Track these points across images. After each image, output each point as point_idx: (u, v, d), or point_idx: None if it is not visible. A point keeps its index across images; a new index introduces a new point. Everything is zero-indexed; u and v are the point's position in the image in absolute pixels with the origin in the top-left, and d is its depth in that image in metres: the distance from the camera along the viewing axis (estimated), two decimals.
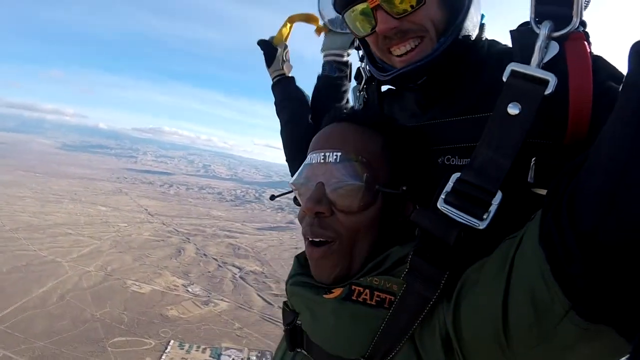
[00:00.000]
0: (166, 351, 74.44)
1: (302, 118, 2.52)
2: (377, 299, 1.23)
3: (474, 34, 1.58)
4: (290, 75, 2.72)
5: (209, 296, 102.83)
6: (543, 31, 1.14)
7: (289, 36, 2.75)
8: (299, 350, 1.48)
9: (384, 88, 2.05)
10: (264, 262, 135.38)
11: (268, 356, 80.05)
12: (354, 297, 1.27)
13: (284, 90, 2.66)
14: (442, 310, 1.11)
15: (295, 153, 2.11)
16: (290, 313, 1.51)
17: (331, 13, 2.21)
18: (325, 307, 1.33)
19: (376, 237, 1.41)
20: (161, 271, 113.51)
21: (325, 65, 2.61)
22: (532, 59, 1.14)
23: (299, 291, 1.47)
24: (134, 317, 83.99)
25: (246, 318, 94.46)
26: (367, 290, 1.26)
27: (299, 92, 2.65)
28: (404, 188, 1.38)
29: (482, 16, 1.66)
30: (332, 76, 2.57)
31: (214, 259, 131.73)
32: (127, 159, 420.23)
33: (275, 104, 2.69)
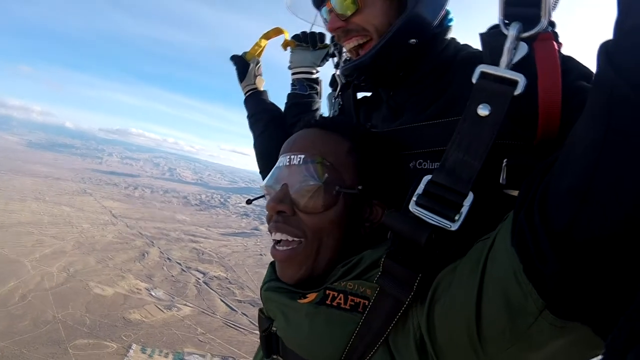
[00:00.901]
0: (128, 355, 74.52)
1: (275, 130, 2.59)
2: (352, 303, 1.24)
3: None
4: (262, 89, 2.81)
5: (172, 300, 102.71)
6: (511, 32, 1.14)
7: (262, 52, 2.85)
8: (274, 357, 1.49)
9: (359, 95, 2.14)
10: (228, 267, 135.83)
11: None
12: (328, 302, 1.28)
13: (256, 103, 2.73)
14: (415, 313, 1.11)
15: (268, 164, 2.07)
16: (265, 320, 1.53)
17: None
18: (299, 312, 1.34)
19: (340, 239, 1.44)
20: (124, 274, 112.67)
21: (295, 82, 2.68)
22: (501, 60, 1.15)
23: (273, 297, 1.48)
24: (96, 320, 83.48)
25: (209, 323, 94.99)
26: (342, 295, 1.27)
27: (271, 105, 2.74)
28: (360, 187, 1.41)
29: (449, 19, 1.73)
30: (303, 94, 2.65)
31: (177, 263, 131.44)
32: (92, 159, 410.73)
33: (248, 117, 2.76)
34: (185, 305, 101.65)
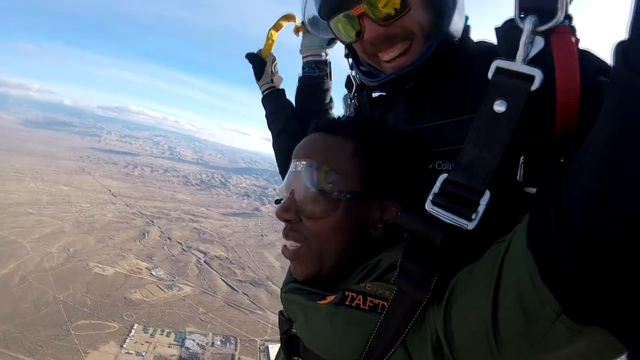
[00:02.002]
0: (130, 335, 74.67)
1: (294, 130, 2.58)
2: (370, 304, 1.25)
3: (458, 36, 1.61)
4: (280, 87, 2.78)
5: (173, 280, 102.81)
6: (527, 26, 1.13)
7: (274, 44, 2.79)
8: (295, 358, 1.51)
9: (375, 95, 2.09)
10: (229, 248, 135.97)
11: (232, 341, 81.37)
12: (347, 302, 1.28)
13: (275, 102, 2.72)
14: (432, 315, 1.11)
15: (286, 165, 1.98)
16: (285, 322, 1.55)
17: (313, 12, 2.14)
18: (319, 313, 1.35)
19: (346, 241, 1.44)
20: (125, 254, 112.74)
21: (305, 65, 2.71)
22: (517, 55, 1.13)
23: (293, 298, 1.50)
24: (97, 300, 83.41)
25: (210, 303, 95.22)
26: (360, 296, 1.27)
27: (290, 104, 2.73)
28: (361, 191, 1.42)
29: (467, 18, 1.69)
30: (312, 75, 2.67)
31: (178, 242, 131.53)
32: (91, 138, 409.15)
33: (266, 116, 2.77)
34: (186, 284, 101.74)
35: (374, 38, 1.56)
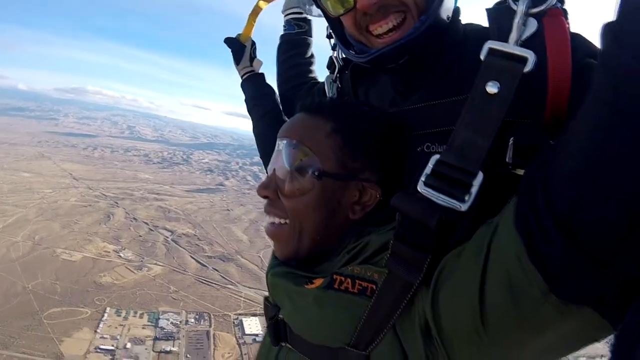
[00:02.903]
0: (103, 319, 74.85)
1: (275, 114, 2.59)
2: (359, 287, 1.23)
3: (449, 15, 1.57)
4: (259, 71, 2.78)
5: (142, 261, 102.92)
6: (520, 7, 1.12)
7: (253, 29, 2.82)
8: (282, 344, 1.49)
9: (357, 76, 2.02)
10: (196, 224, 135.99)
11: (206, 317, 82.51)
12: (335, 286, 1.27)
13: (255, 87, 2.71)
14: (420, 298, 1.10)
15: (269, 149, 1.90)
16: (272, 308, 1.54)
17: None
18: (307, 297, 1.34)
19: (321, 222, 1.45)
20: (91, 237, 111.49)
21: (285, 23, 2.76)
22: (510, 37, 1.12)
23: (280, 282, 1.49)
24: (67, 287, 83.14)
25: (181, 281, 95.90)
26: (349, 279, 1.26)
27: (270, 89, 2.72)
28: (339, 172, 1.43)
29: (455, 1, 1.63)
30: (291, 32, 2.72)
31: (144, 222, 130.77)
32: (48, 122, 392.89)
33: (246, 100, 2.75)
34: (155, 264, 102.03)
35: (369, 7, 1.48)
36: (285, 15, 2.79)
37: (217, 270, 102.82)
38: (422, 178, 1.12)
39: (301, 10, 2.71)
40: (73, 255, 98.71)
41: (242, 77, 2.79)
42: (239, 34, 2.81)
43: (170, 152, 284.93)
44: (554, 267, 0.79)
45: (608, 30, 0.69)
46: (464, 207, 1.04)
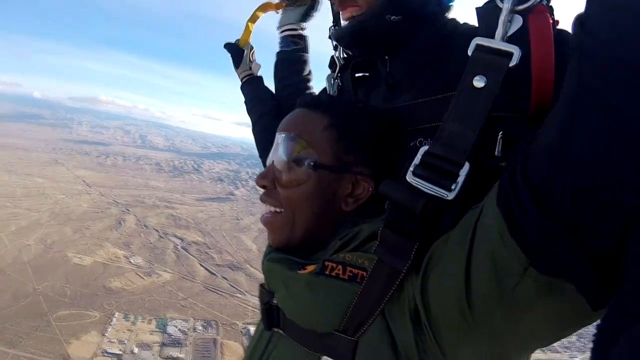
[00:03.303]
0: (111, 323, 74.75)
1: (272, 115, 2.64)
2: (350, 274, 1.26)
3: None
4: (258, 74, 2.85)
5: (151, 267, 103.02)
6: (506, 5, 1.16)
7: (250, 35, 2.89)
8: (275, 329, 1.51)
9: (358, 75, 2.12)
10: (206, 233, 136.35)
11: (213, 325, 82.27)
12: (327, 272, 1.30)
13: (253, 89, 2.80)
14: (410, 284, 1.13)
15: (266, 149, 2.02)
16: (266, 293, 1.54)
17: None
18: (299, 282, 1.36)
19: (314, 213, 1.49)
20: (102, 243, 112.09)
21: (281, 41, 2.78)
22: (497, 33, 1.16)
23: (274, 267, 1.51)
24: (76, 290, 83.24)
25: (190, 288, 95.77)
26: (340, 266, 1.29)
27: (268, 91, 2.79)
28: (333, 164, 1.48)
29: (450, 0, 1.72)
30: (287, 50, 2.74)
31: (155, 229, 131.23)
32: (62, 129, 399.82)
33: (245, 102, 2.83)
34: (164, 271, 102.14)
35: None
36: (281, 32, 2.80)
37: (226, 279, 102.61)
38: (411, 168, 1.16)
39: (296, 27, 2.74)
40: (84, 260, 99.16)
41: (241, 80, 2.86)
42: (237, 40, 2.87)
43: (181, 161, 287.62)
44: (531, 238, 0.82)
45: (577, 19, 0.76)
46: (450, 195, 1.08)
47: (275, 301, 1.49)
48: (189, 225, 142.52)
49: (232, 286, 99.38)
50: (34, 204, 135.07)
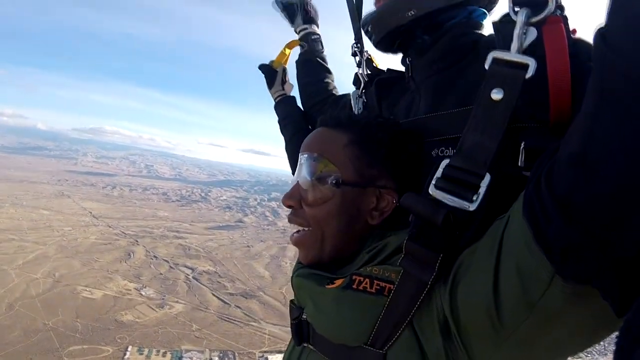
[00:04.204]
0: (125, 357, 72.83)
1: (303, 134, 2.55)
2: (377, 287, 1.28)
3: (426, 13, 1.71)
4: (291, 94, 3.03)
5: (163, 298, 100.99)
6: (520, 18, 1.19)
7: (287, 60, 3.09)
8: (305, 344, 1.54)
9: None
10: (216, 261, 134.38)
11: (230, 355, 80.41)
12: (354, 286, 1.32)
13: (286, 108, 2.95)
14: (439, 294, 1.14)
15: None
16: (296, 309, 1.59)
17: None
18: (327, 297, 1.39)
19: (342, 229, 1.52)
20: (111, 275, 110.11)
21: (300, 40, 3.08)
22: (512, 46, 1.19)
23: (303, 283, 1.56)
24: (88, 324, 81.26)
25: (203, 319, 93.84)
26: (367, 280, 1.31)
27: (300, 110, 2.95)
28: (356, 180, 1.52)
29: (483, 15, 1.79)
30: (305, 50, 3.02)
31: (164, 260, 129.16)
32: (67, 161, 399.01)
33: (279, 121, 2.97)
34: (177, 302, 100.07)
35: None
36: (298, 32, 3.05)
37: (239, 308, 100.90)
38: (433, 181, 1.19)
39: (306, 27, 3.02)
40: (94, 293, 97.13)
41: (275, 100, 3.04)
42: (271, 61, 3.07)
43: (188, 190, 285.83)
44: (556, 247, 0.83)
45: (598, 32, 0.76)
46: (472, 206, 1.10)
47: (304, 316, 1.53)
48: (199, 254, 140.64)
49: (247, 315, 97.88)
50: (40, 236, 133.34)
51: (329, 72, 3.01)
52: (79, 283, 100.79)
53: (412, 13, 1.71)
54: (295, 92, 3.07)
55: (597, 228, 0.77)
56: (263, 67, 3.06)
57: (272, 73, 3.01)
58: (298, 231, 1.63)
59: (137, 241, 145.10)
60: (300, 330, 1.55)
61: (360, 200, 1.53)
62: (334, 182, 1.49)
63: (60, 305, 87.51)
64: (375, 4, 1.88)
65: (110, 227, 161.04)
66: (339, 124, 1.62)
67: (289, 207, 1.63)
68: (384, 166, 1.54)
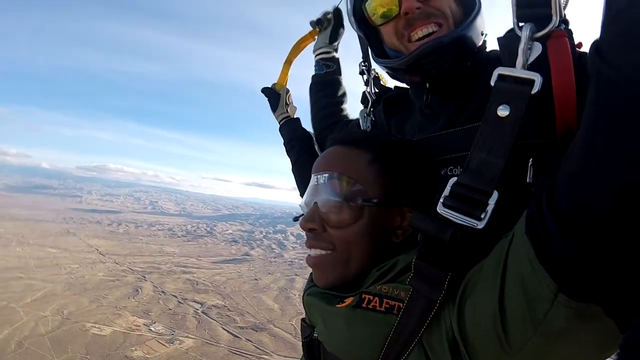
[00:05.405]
0: None
1: (310, 155, 2.66)
2: (387, 305, 1.27)
3: (478, 41, 1.68)
4: (295, 116, 3.02)
5: (173, 334, 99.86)
6: (524, 33, 1.19)
7: (288, 78, 3.08)
8: None
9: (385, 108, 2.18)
10: (225, 295, 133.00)
11: None
12: (364, 305, 1.31)
13: (291, 131, 2.92)
14: (447, 313, 1.14)
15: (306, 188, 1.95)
16: (307, 327, 1.58)
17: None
18: (338, 316, 1.38)
19: (369, 249, 1.48)
20: (120, 312, 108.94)
21: (315, 64, 2.95)
22: (517, 61, 1.19)
23: (313, 302, 1.54)
24: None
25: (214, 353, 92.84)
26: (377, 298, 1.30)
27: (305, 132, 2.92)
28: (382, 198, 1.47)
29: (485, 34, 1.75)
30: (320, 73, 2.89)
31: (173, 295, 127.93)
32: (72, 199, 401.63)
33: (284, 144, 2.94)
34: (187, 337, 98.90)
35: (411, 9, 1.61)
36: (316, 56, 2.95)
37: (250, 341, 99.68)
38: (441, 200, 1.19)
39: (329, 50, 2.90)
40: (103, 330, 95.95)
41: (279, 123, 3.01)
42: (274, 84, 3.06)
43: (193, 225, 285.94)
44: (559, 264, 0.82)
45: (593, 44, 0.77)
46: (480, 224, 1.10)
47: (316, 335, 1.52)
48: (208, 289, 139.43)
49: (258, 347, 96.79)
50: (48, 274, 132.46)
51: (344, 95, 2.96)
52: (87, 320, 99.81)
53: (485, 33, 1.71)
54: (299, 114, 3.07)
55: (599, 244, 0.76)
56: (266, 90, 3.07)
57: (274, 96, 3.02)
58: (318, 255, 1.56)
59: (144, 277, 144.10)
60: (312, 349, 1.55)
61: (387, 219, 1.50)
62: (364, 201, 1.46)
63: (70, 342, 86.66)
64: (416, 35, 1.67)
65: (117, 263, 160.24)
66: (356, 142, 1.58)
67: (309, 230, 1.57)
68: (404, 184, 1.52)
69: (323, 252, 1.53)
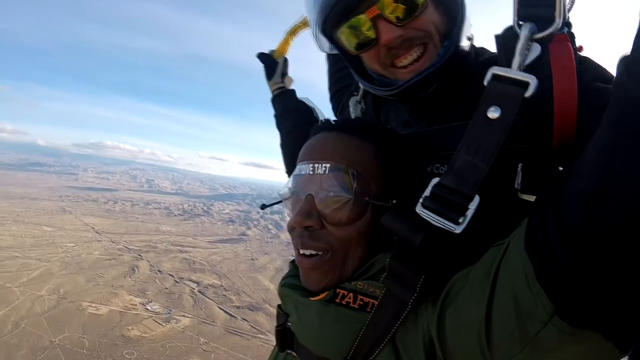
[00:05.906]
0: None
1: (303, 130, 2.32)
2: (360, 302, 1.25)
3: (469, 35, 1.59)
4: (290, 88, 2.78)
5: (169, 313, 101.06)
6: (524, 32, 1.14)
7: (288, 49, 2.84)
8: (289, 351, 1.50)
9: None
10: (221, 275, 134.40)
11: None
12: (337, 300, 1.29)
13: (284, 103, 2.70)
14: (425, 315, 1.11)
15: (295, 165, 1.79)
16: (282, 315, 1.53)
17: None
18: (310, 309, 1.34)
19: (368, 247, 1.39)
20: (117, 291, 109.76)
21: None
22: (513, 62, 1.14)
23: (288, 292, 1.48)
24: (94, 341, 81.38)
25: (210, 332, 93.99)
26: (351, 294, 1.27)
27: (300, 104, 2.67)
28: (394, 201, 1.33)
29: (472, 37, 1.66)
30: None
31: (169, 274, 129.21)
32: (67, 177, 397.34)
33: (275, 116, 2.72)
34: (183, 316, 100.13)
35: (392, 40, 1.48)
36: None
37: (246, 320, 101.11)
38: (421, 200, 1.15)
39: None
40: (100, 309, 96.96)
41: (272, 93, 2.78)
42: (272, 50, 2.82)
43: (190, 204, 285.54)
44: (560, 287, 0.78)
45: (622, 61, 0.73)
46: (458, 229, 1.07)
47: (289, 324, 1.47)
48: (204, 268, 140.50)
49: (254, 327, 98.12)
50: (44, 253, 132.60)
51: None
52: (84, 299, 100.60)
53: (471, 37, 1.61)
54: (294, 86, 2.81)
55: (607, 270, 0.73)
56: (262, 56, 2.78)
57: (272, 63, 2.75)
58: (311, 254, 1.40)
59: (141, 256, 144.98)
60: (285, 337, 1.50)
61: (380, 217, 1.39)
62: (370, 198, 1.35)
63: (67, 322, 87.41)
64: (404, 61, 1.55)
65: (113, 242, 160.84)
66: (359, 132, 1.46)
67: (305, 228, 1.40)
68: (399, 180, 1.44)
69: (320, 253, 1.39)
